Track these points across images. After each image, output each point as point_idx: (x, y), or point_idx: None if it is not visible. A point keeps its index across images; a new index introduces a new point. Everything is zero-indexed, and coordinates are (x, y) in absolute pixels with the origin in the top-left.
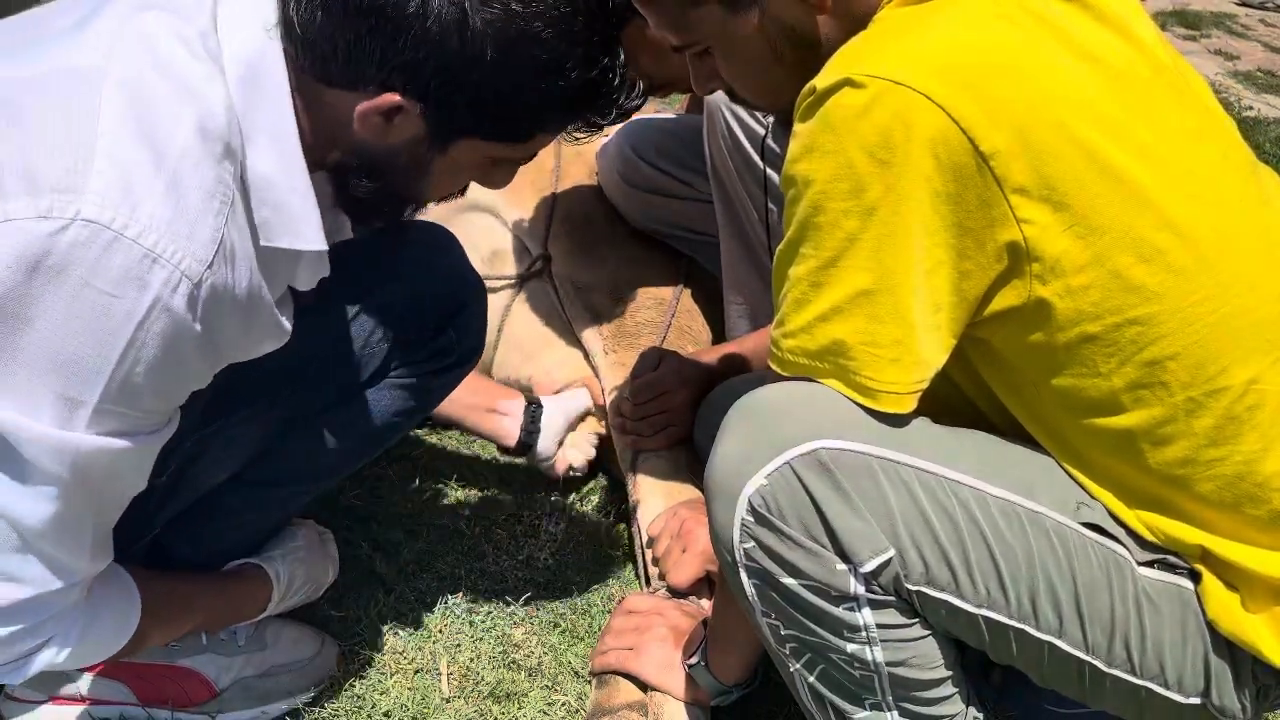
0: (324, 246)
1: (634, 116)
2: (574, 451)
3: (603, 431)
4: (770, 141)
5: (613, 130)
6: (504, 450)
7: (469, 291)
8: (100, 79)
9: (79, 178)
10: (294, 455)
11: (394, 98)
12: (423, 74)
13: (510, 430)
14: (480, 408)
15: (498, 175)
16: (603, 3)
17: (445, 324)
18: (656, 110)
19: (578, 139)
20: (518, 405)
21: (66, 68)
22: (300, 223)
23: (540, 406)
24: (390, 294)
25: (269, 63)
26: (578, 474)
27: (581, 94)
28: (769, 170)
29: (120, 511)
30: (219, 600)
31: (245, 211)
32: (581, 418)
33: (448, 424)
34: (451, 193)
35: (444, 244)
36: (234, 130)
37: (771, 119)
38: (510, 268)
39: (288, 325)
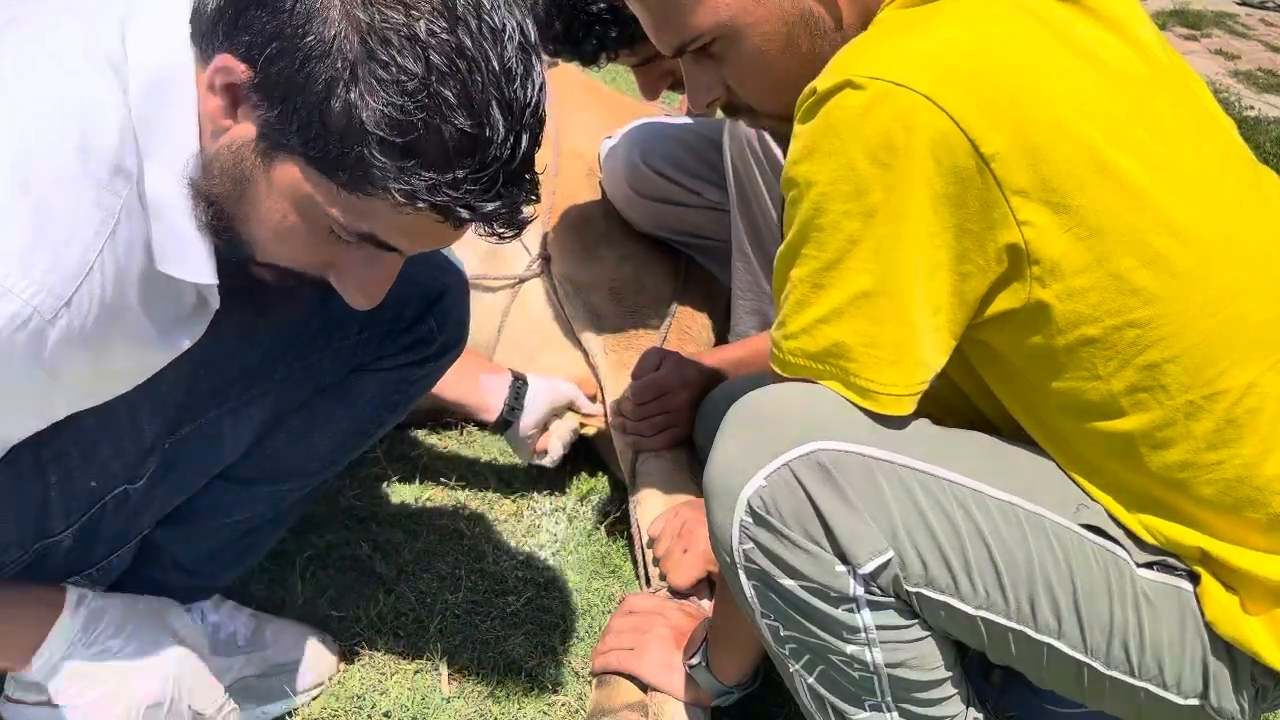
0: (211, 280)
1: (640, 120)
2: (555, 441)
3: (588, 430)
4: None
5: (618, 133)
6: (481, 426)
7: (448, 279)
8: None
9: None
10: (279, 452)
11: (231, 59)
12: (269, 48)
13: (493, 404)
14: (464, 381)
15: (343, 261)
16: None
17: (424, 313)
18: (664, 111)
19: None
20: (502, 380)
21: None
22: (190, 252)
23: (525, 383)
24: None
25: (176, 77)
26: (549, 465)
27: (430, 164)
28: None
29: None
30: None
31: (142, 233)
32: (566, 407)
33: (429, 404)
34: (287, 263)
35: None
36: (128, 147)
37: None
38: (509, 267)
39: (187, 341)
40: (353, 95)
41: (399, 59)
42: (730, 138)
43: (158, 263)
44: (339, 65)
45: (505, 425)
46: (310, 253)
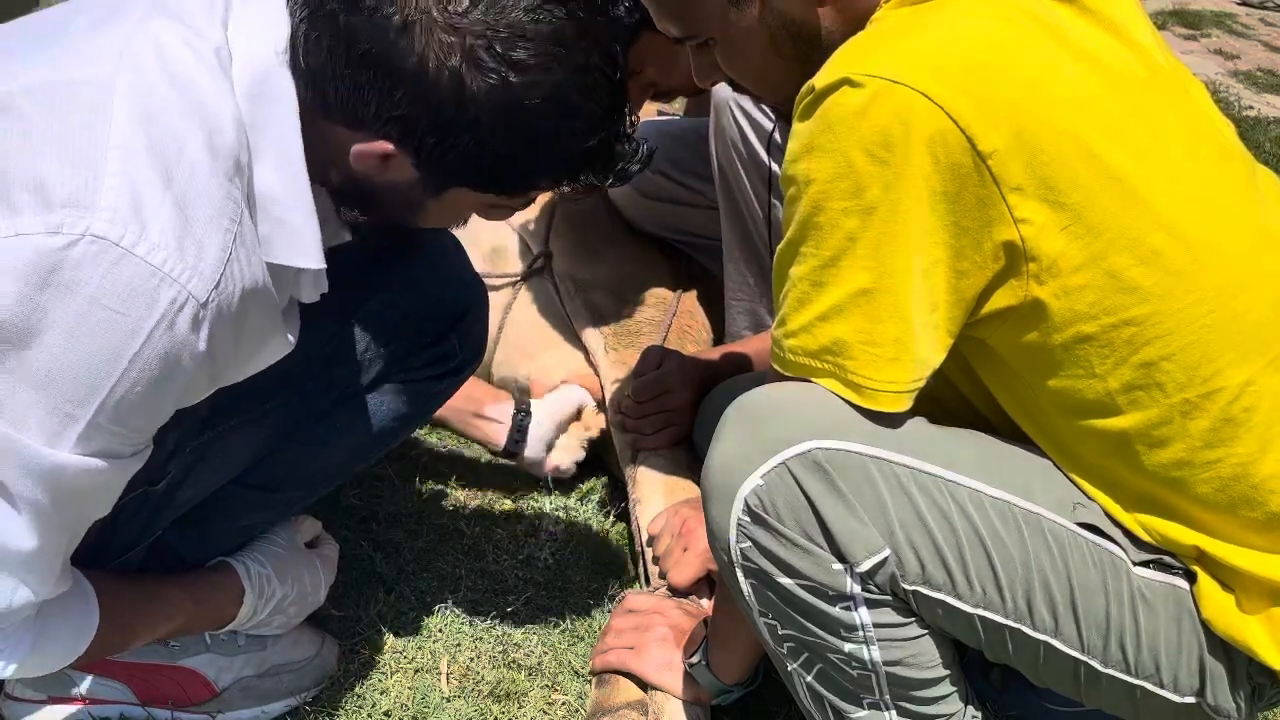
0: (322, 265)
1: (642, 120)
2: (562, 454)
3: (594, 434)
4: (778, 137)
5: None
6: (493, 453)
7: (472, 296)
8: (111, 90)
9: (89, 193)
10: (294, 460)
11: (387, 146)
12: (416, 129)
13: (498, 436)
14: (469, 412)
15: (495, 214)
16: (610, 75)
17: (447, 329)
18: (659, 112)
19: (575, 197)
20: (506, 410)
21: (78, 77)
22: (300, 240)
23: (528, 414)
24: (393, 298)
25: (277, 80)
26: (564, 475)
27: (578, 160)
28: (774, 166)
29: (80, 538)
30: (190, 604)
31: (253, 228)
32: (575, 416)
33: (438, 425)
34: (449, 227)
35: (448, 248)
36: (243, 145)
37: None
38: (511, 265)
39: (292, 338)
40: (515, 145)
41: (540, 111)
42: (716, 138)
43: (265, 254)
44: (495, 126)
45: (511, 455)
46: (458, 221)
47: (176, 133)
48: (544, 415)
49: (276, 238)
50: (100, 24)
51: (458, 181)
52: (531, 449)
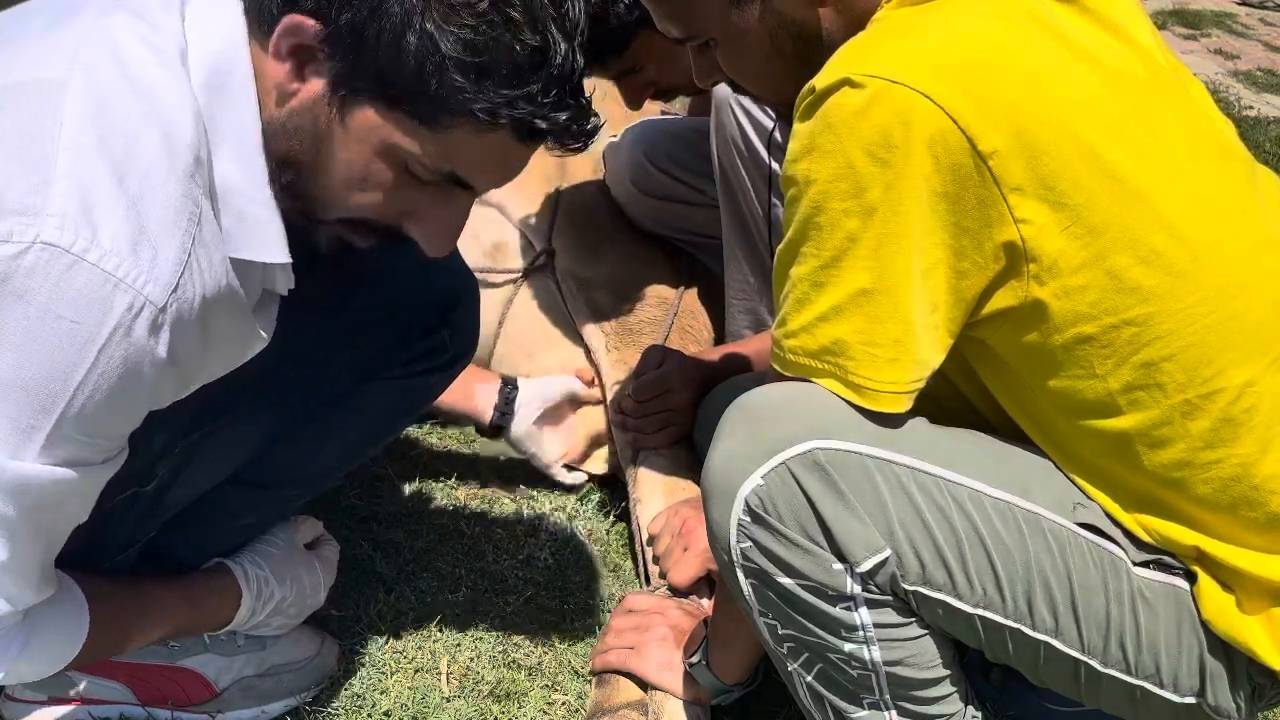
0: (286, 259)
1: (644, 119)
2: (591, 464)
3: (595, 426)
4: (778, 135)
5: (621, 130)
6: (480, 431)
7: (462, 287)
8: (63, 91)
9: (39, 199)
10: (289, 457)
11: (300, 18)
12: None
13: (484, 410)
14: (457, 390)
15: (421, 206)
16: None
17: (437, 323)
18: (662, 111)
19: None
20: (492, 388)
21: (30, 80)
22: (263, 234)
23: (515, 389)
24: (382, 291)
25: (234, 66)
26: (575, 484)
27: (500, 79)
28: (774, 164)
29: (62, 543)
30: (185, 608)
31: (214, 223)
32: (571, 402)
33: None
34: (365, 214)
35: None
36: (201, 140)
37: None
38: (513, 261)
39: (266, 333)
40: (429, 25)
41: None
42: (716, 136)
43: (229, 249)
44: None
45: (498, 430)
46: (389, 200)
47: (130, 133)
48: (531, 393)
49: (239, 232)
50: (56, 23)
51: (367, 89)
52: (518, 425)
